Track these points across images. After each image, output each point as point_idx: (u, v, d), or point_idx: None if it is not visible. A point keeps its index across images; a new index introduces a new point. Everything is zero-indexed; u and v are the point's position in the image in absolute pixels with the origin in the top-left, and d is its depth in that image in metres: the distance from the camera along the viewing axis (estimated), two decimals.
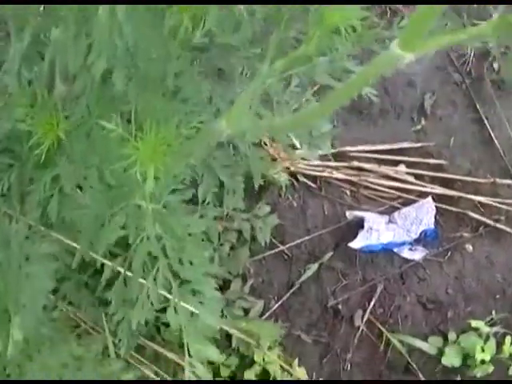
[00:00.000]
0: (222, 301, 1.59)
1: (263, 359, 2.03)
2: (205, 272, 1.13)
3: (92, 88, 1.21)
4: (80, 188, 1.30)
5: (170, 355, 1.91)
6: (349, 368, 2.20)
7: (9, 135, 1.36)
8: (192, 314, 1.19)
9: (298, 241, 2.27)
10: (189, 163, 1.13)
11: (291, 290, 2.23)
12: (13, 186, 1.38)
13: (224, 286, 2.13)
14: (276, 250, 2.27)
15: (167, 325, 1.93)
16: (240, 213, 2.01)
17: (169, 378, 1.93)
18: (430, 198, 2.32)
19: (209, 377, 1.98)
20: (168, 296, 1.50)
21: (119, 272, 1.59)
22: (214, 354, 1.13)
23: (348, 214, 2.28)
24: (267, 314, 2.20)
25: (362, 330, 2.23)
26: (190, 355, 1.12)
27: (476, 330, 2.20)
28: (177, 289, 1.12)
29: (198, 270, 1.13)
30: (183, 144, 1.06)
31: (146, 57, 1.08)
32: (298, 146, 1.55)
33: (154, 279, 1.12)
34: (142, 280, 1.20)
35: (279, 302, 2.23)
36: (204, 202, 1.73)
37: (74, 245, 1.48)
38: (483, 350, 2.15)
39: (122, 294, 1.24)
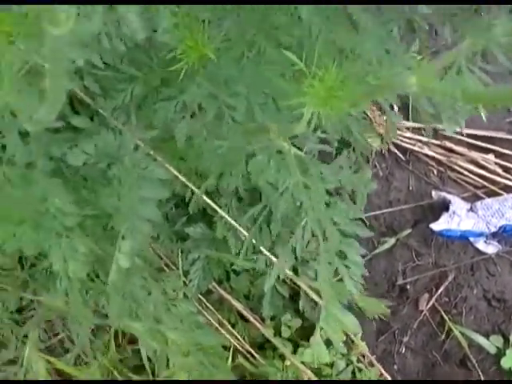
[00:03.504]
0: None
1: None
2: (353, 233, 1.04)
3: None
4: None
5: (235, 303, 1.85)
6: (403, 351, 2.13)
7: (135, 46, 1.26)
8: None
9: (378, 212, 2.19)
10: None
11: (362, 261, 2.15)
12: (133, 101, 1.29)
13: None
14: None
15: (237, 272, 1.86)
16: None
17: (229, 327, 1.87)
18: None
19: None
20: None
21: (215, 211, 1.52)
22: (353, 324, 1.04)
23: (434, 193, 2.19)
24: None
25: (425, 314, 2.15)
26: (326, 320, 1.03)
27: None
28: (323, 245, 1.03)
29: (343, 229, 1.04)
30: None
31: None
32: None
33: (302, 236, 1.03)
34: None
35: None
36: None
37: (178, 175, 1.39)
38: None
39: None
